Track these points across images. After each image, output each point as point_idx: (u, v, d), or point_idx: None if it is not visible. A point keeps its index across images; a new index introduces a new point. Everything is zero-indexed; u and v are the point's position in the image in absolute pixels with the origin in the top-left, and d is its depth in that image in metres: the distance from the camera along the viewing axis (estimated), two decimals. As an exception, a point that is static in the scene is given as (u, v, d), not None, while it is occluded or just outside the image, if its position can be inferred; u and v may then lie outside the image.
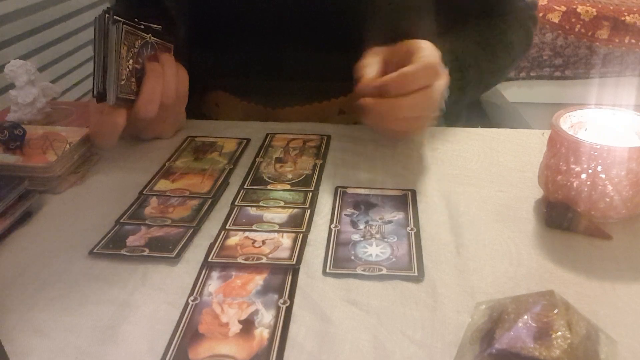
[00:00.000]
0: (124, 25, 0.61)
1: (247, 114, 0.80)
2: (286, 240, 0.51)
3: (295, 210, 0.56)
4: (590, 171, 0.50)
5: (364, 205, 0.56)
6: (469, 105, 0.99)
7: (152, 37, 0.67)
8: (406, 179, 0.61)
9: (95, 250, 0.50)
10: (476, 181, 0.60)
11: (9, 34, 1.40)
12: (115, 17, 0.61)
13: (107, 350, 0.40)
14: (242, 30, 0.76)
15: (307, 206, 0.56)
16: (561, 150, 0.52)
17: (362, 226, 0.53)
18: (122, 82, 0.62)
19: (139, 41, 0.65)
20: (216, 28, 0.78)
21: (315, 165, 0.64)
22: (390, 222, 0.53)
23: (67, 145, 0.62)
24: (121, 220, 0.54)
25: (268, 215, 0.55)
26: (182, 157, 0.66)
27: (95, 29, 0.61)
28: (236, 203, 0.57)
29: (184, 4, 0.78)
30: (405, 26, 0.72)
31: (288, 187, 0.60)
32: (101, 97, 0.61)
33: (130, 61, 0.63)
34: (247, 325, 0.42)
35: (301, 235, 0.52)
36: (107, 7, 0.62)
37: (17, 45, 1.43)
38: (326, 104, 0.78)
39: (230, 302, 0.44)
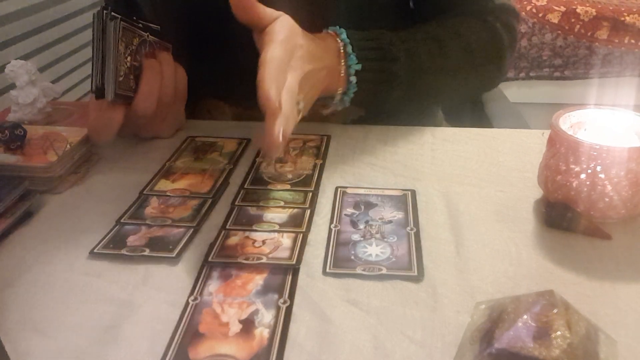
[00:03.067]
0: (122, 22, 0.61)
1: (239, 119, 0.80)
2: (286, 240, 0.51)
3: (295, 210, 0.56)
4: (589, 171, 0.50)
5: (364, 205, 0.56)
6: (470, 106, 0.99)
7: (150, 36, 0.67)
8: (406, 179, 0.61)
9: (95, 250, 0.50)
10: (476, 181, 0.60)
11: (9, 34, 1.40)
12: (113, 13, 0.61)
13: (108, 350, 0.40)
14: (229, 37, 0.76)
15: (307, 206, 0.56)
16: (561, 150, 0.52)
17: (362, 226, 0.53)
18: (121, 79, 0.62)
19: (137, 39, 0.65)
20: (202, 37, 0.77)
21: (315, 165, 0.64)
22: (390, 222, 0.54)
23: (68, 146, 0.62)
24: (121, 220, 0.55)
25: (268, 215, 0.55)
26: (183, 157, 0.67)
27: (93, 25, 0.61)
28: (236, 203, 0.57)
29: (168, 15, 0.78)
30: (372, 25, 0.70)
31: (288, 187, 0.60)
32: (100, 92, 0.61)
33: (129, 58, 0.63)
34: (247, 325, 0.42)
35: (301, 235, 0.52)
36: (106, 4, 0.62)
37: (18, 46, 1.43)
38: (314, 105, 0.78)
39: (231, 301, 0.44)
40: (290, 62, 0.56)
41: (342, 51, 0.65)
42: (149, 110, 0.64)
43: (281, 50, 0.55)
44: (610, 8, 2.42)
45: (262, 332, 0.41)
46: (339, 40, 0.65)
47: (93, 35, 0.61)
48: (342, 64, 0.65)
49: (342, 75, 0.65)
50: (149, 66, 0.65)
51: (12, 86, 0.73)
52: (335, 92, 0.66)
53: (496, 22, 0.76)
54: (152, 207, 0.56)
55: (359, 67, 0.65)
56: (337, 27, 0.67)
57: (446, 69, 0.72)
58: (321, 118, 0.76)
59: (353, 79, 0.65)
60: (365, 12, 0.73)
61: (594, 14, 2.42)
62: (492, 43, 0.75)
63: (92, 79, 0.62)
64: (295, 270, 0.47)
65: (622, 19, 2.41)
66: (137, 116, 0.65)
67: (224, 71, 0.78)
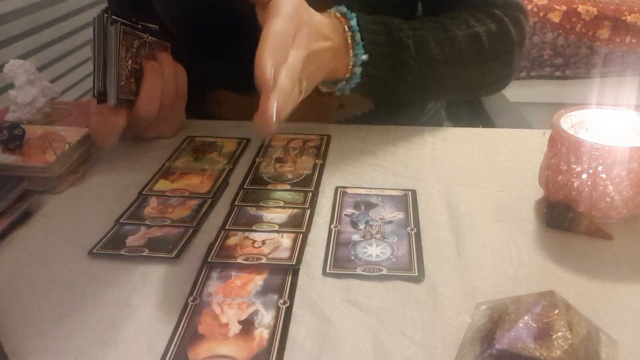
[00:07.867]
0: (122, 26, 0.61)
1: (249, 109, 0.79)
2: (286, 240, 0.51)
3: (295, 210, 0.55)
4: (591, 171, 0.50)
5: (364, 205, 0.56)
6: (470, 105, 0.98)
7: (149, 37, 0.67)
8: (406, 179, 0.61)
9: (94, 251, 0.50)
10: (476, 181, 0.60)
11: (8, 34, 1.40)
12: (113, 17, 0.60)
13: (107, 351, 0.40)
14: (240, 29, 0.76)
15: (307, 206, 0.56)
16: (562, 150, 0.52)
17: (362, 226, 0.53)
18: (122, 83, 0.62)
19: (137, 41, 0.65)
20: (212, 31, 0.77)
21: (315, 165, 0.64)
22: (390, 222, 0.53)
23: (67, 145, 0.62)
24: (120, 221, 0.54)
25: (268, 215, 0.55)
26: (182, 157, 0.66)
27: (94, 29, 0.61)
28: (236, 203, 0.57)
29: (177, 12, 0.78)
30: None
31: (288, 187, 0.60)
32: (102, 97, 0.61)
33: (129, 61, 0.63)
34: (247, 325, 0.42)
35: (301, 235, 0.51)
36: (106, 7, 0.62)
37: (17, 45, 1.43)
38: (326, 97, 0.77)
39: (230, 302, 0.44)
40: (295, 38, 0.54)
41: (349, 41, 0.62)
42: (151, 113, 0.65)
43: (284, 25, 0.53)
44: (612, 7, 2.42)
45: (261, 333, 0.41)
46: (347, 29, 0.62)
47: (94, 39, 0.61)
48: (351, 54, 0.63)
49: (349, 65, 0.63)
50: (149, 69, 0.65)
51: (11, 86, 0.73)
52: (340, 77, 0.64)
53: (503, 15, 0.75)
54: (152, 207, 0.56)
55: (366, 57, 0.63)
56: (346, 9, 0.63)
57: (455, 58, 0.69)
58: (327, 114, 0.76)
59: (358, 69, 0.63)
60: (373, 8, 0.72)
61: (595, 13, 2.41)
62: (500, 35, 0.73)
63: (93, 84, 0.62)
64: (295, 270, 0.47)
65: (624, 18, 2.40)
66: (140, 119, 0.65)
67: (235, 61, 0.78)
